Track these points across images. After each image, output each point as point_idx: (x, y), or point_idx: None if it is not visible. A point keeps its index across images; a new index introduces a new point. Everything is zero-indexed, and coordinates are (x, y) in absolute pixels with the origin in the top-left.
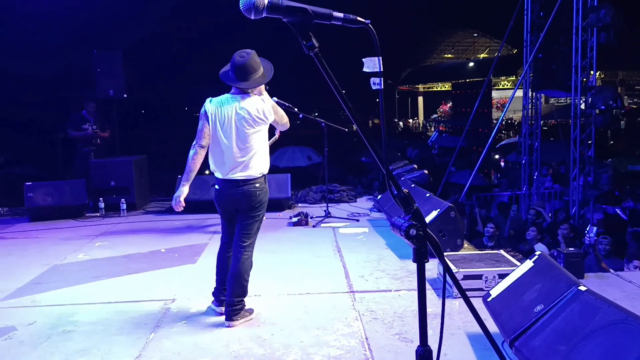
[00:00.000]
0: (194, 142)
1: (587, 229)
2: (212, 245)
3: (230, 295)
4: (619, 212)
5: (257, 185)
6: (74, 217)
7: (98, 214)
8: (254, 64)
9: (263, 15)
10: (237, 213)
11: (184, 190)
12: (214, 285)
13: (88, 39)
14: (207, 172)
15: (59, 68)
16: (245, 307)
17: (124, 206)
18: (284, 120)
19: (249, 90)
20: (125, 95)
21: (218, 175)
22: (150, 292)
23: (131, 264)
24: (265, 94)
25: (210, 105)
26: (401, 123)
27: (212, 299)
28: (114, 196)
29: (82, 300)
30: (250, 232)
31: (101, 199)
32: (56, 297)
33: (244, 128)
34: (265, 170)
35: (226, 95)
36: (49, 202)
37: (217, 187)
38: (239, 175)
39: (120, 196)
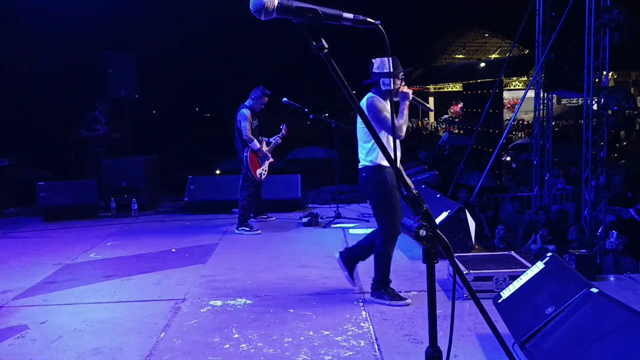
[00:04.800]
0: None
1: (602, 233)
2: (222, 245)
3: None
4: (632, 213)
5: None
6: (86, 217)
7: (110, 214)
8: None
9: (273, 17)
10: None
11: None
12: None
13: (101, 40)
14: (217, 172)
15: (71, 69)
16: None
17: (136, 206)
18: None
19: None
20: (137, 96)
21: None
22: (161, 292)
23: (142, 264)
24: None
25: None
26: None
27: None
28: (126, 196)
29: (94, 300)
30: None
31: (113, 199)
32: (68, 296)
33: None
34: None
35: None
36: (61, 202)
37: None
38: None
39: (131, 196)
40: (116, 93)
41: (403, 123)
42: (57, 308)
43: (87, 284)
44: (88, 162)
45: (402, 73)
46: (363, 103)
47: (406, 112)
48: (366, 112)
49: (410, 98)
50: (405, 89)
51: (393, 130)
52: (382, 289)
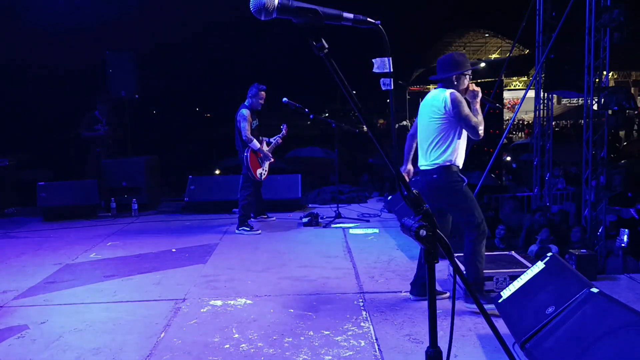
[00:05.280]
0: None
1: (602, 233)
2: (222, 244)
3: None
4: (632, 213)
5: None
6: (86, 217)
7: (110, 214)
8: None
9: (273, 17)
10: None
11: (407, 168)
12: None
13: (100, 39)
14: (217, 171)
15: (71, 69)
16: None
17: (136, 206)
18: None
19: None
20: (137, 96)
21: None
22: (161, 292)
23: (142, 264)
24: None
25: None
26: (405, 123)
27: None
28: (126, 196)
29: (94, 300)
30: (463, 220)
31: (113, 198)
32: (68, 296)
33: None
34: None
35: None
36: (62, 202)
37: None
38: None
39: (131, 196)
40: (116, 93)
41: (482, 120)
42: (57, 308)
43: (87, 284)
44: (88, 162)
45: (470, 70)
46: (438, 98)
47: (480, 110)
48: (449, 107)
49: (480, 96)
50: (473, 87)
51: (393, 130)
52: (478, 292)
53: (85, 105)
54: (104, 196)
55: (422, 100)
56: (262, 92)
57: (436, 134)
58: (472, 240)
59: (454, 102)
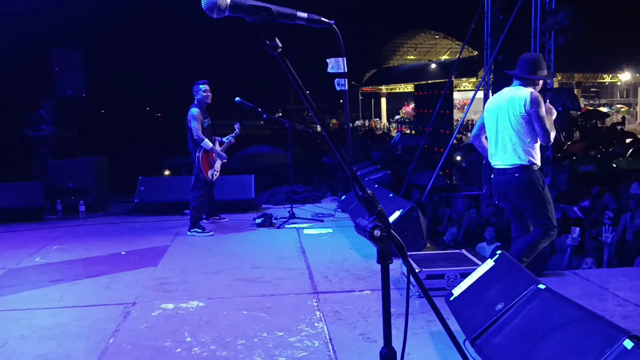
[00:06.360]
0: None
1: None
2: (174, 247)
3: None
4: (576, 210)
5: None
6: (30, 219)
7: (56, 216)
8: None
9: (225, 15)
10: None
11: None
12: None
13: (47, 37)
14: (166, 172)
15: (16, 67)
16: None
17: (83, 208)
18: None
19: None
20: (84, 95)
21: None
22: (110, 296)
23: (90, 267)
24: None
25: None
26: (358, 123)
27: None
28: (73, 198)
29: (40, 305)
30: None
31: (59, 200)
32: (12, 302)
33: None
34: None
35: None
36: (5, 204)
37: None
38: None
39: (79, 198)
40: (62, 92)
41: (552, 127)
42: (1, 314)
43: (32, 289)
44: (33, 162)
45: (542, 79)
46: (520, 96)
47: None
48: (528, 107)
49: (547, 103)
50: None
51: (348, 130)
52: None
53: (30, 104)
54: (50, 198)
55: (493, 97)
56: (204, 86)
57: (518, 133)
58: (538, 235)
59: (534, 101)
